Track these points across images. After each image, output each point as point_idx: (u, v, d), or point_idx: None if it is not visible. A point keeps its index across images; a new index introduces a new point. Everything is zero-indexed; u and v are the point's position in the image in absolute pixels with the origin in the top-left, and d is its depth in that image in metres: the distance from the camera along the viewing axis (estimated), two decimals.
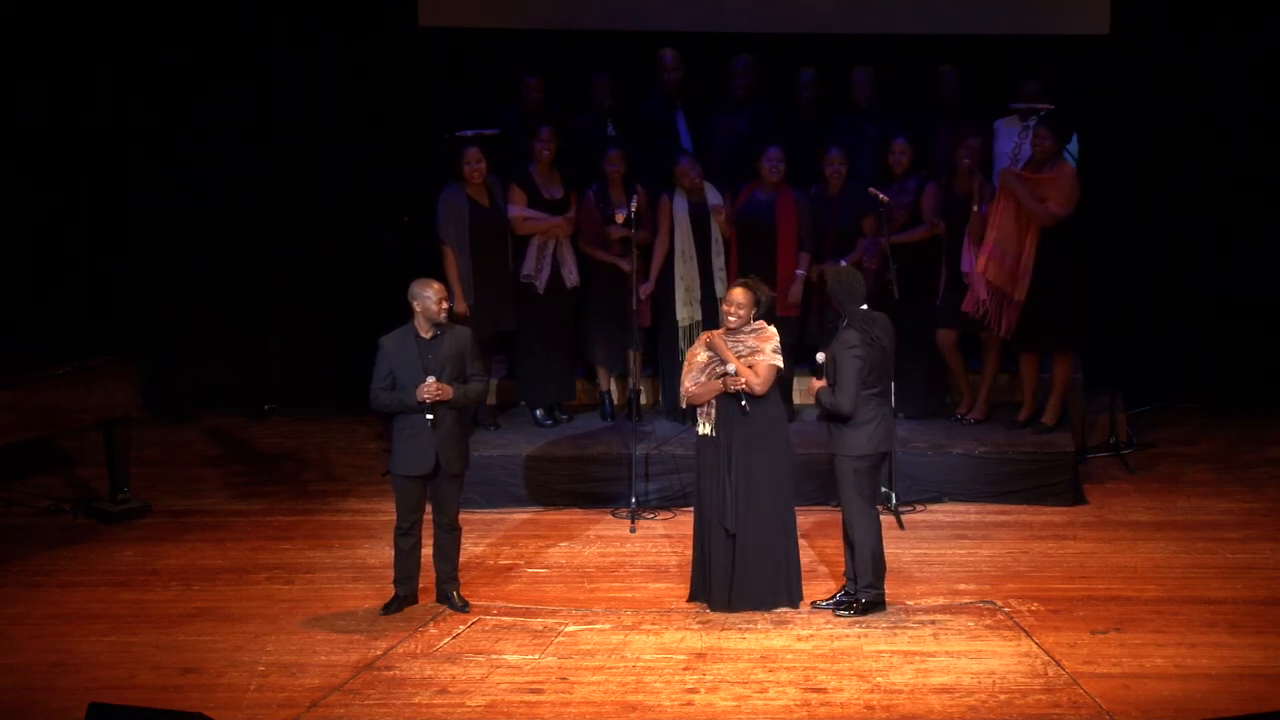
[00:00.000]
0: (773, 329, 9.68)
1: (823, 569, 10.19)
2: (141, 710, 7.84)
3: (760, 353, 9.57)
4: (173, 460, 12.52)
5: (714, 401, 9.61)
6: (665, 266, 11.92)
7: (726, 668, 8.94)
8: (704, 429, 9.68)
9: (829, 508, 10.68)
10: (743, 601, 9.64)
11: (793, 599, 9.72)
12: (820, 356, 9.61)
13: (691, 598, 9.83)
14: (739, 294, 9.61)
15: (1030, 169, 11.51)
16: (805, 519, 10.91)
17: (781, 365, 9.66)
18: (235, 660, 9.08)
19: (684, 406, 9.95)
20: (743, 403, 9.53)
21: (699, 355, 9.69)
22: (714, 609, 9.66)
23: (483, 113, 12.31)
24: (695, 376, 9.66)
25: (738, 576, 9.62)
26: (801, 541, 10.70)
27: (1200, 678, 8.76)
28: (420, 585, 9.78)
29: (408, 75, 13.21)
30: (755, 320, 9.64)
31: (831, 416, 9.55)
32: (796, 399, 11.94)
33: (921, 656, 9.05)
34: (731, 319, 9.59)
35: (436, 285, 9.59)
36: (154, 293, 13.49)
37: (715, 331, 9.71)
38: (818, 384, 9.60)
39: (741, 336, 9.59)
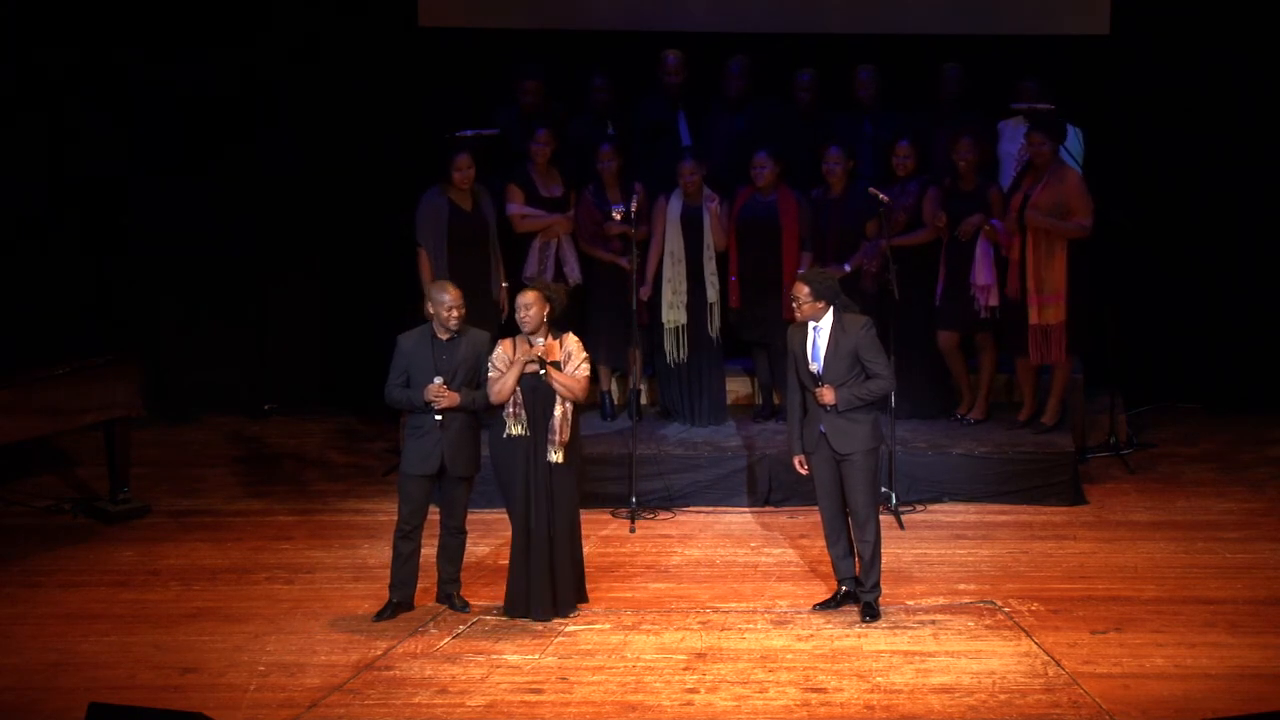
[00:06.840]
0: (573, 337, 9.45)
1: (824, 568, 10.18)
2: (141, 710, 7.83)
3: (576, 363, 9.36)
4: (173, 460, 12.51)
5: (520, 397, 9.37)
6: (661, 268, 11.92)
7: (726, 668, 8.94)
8: (515, 429, 9.44)
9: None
10: (562, 606, 9.49)
11: (566, 608, 9.52)
12: (817, 366, 9.40)
13: (508, 611, 9.54)
14: (529, 296, 9.36)
15: (1033, 176, 11.49)
16: (807, 519, 10.92)
17: (589, 372, 9.47)
18: (235, 660, 9.07)
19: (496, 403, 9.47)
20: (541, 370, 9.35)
21: (499, 359, 9.43)
22: (541, 618, 9.46)
23: (482, 113, 12.31)
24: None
25: (559, 581, 9.48)
26: (803, 541, 10.73)
27: (1200, 678, 8.75)
28: (421, 586, 9.75)
29: (408, 75, 13.20)
30: (554, 327, 9.39)
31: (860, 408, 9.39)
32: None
33: (921, 656, 9.04)
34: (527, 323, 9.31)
35: (453, 292, 9.52)
36: (154, 293, 13.48)
37: (516, 340, 9.39)
38: (828, 393, 9.35)
39: (551, 345, 9.37)
